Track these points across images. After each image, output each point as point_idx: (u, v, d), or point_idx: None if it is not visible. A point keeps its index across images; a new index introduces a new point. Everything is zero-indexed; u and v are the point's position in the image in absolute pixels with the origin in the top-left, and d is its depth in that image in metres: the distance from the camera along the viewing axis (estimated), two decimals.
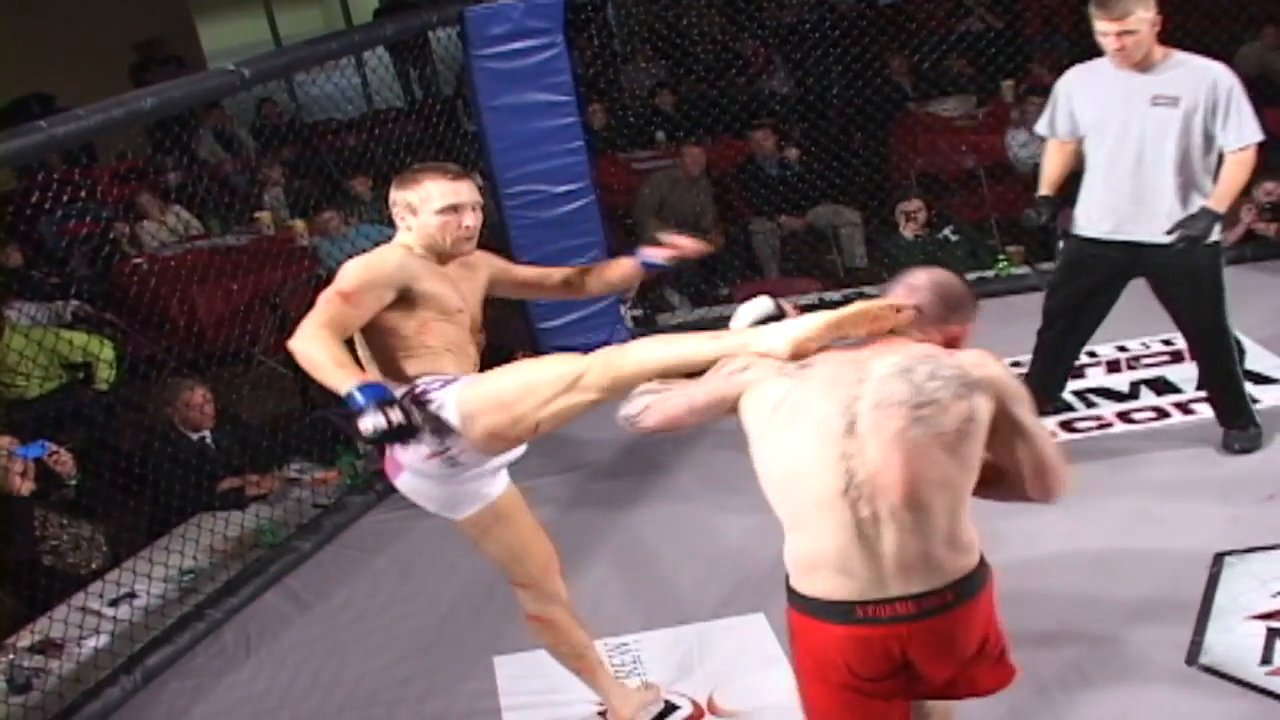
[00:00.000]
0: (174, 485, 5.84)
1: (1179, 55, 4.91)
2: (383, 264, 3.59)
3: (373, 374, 3.62)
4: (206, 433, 6.13)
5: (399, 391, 3.42)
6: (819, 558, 2.80)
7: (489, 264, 3.98)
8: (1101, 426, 5.68)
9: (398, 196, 3.71)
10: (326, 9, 18.09)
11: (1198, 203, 4.93)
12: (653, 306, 7.87)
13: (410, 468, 3.64)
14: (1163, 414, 5.71)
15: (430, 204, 3.64)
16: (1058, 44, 10.69)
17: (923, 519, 2.75)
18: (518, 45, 6.54)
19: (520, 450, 3.68)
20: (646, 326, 7.49)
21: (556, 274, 4.22)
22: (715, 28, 12.05)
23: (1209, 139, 4.89)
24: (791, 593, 2.90)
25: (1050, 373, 5.47)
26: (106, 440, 6.69)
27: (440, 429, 3.44)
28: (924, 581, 2.78)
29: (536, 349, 6.90)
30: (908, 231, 7.88)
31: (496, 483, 3.81)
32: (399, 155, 6.95)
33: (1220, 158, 4.93)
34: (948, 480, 2.78)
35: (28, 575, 5.37)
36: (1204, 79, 4.84)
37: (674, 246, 4.13)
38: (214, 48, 15.66)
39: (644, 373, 3.15)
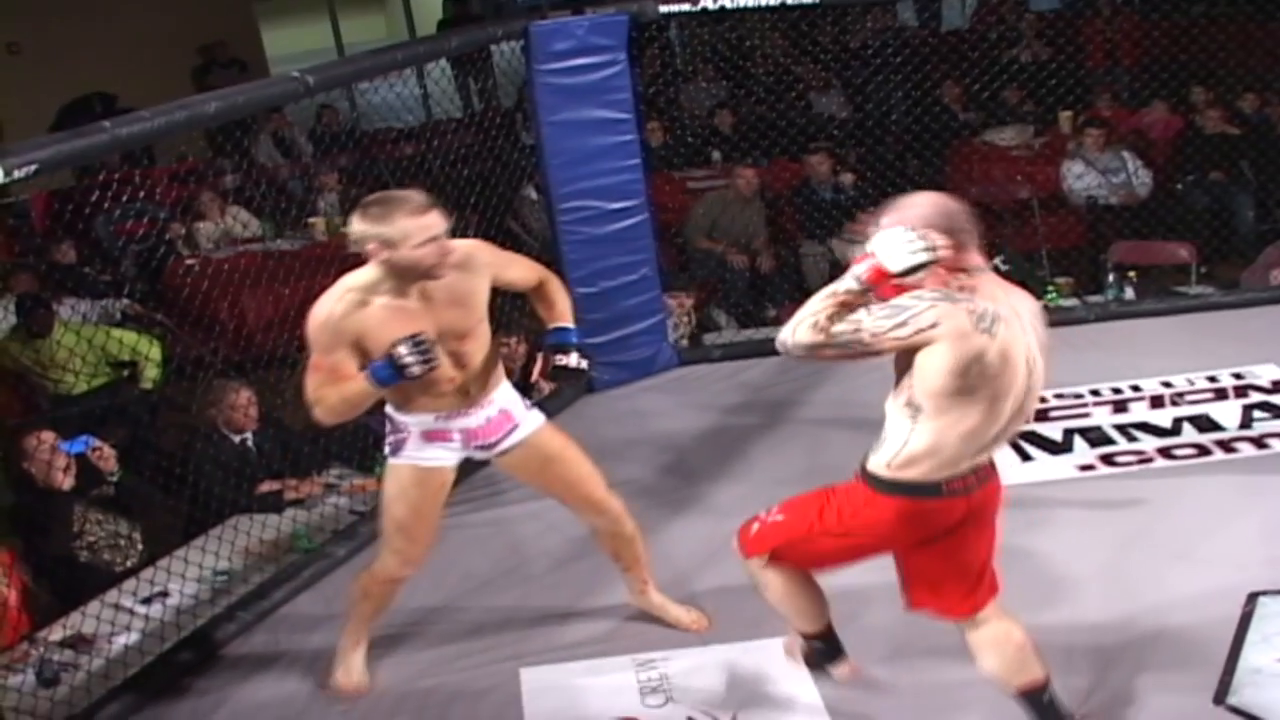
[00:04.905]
0: (213, 486, 5.86)
1: None
2: (324, 327, 3.91)
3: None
4: (249, 435, 6.16)
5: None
6: (946, 450, 3.39)
7: (485, 262, 4.14)
8: (1142, 461, 5.62)
9: (369, 232, 3.85)
10: (390, 17, 18.21)
11: None
12: (700, 326, 7.85)
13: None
14: (1204, 451, 5.64)
15: (410, 240, 3.82)
16: (1119, 77, 10.63)
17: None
18: (581, 61, 6.58)
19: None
20: (692, 345, 7.49)
21: (535, 284, 4.38)
22: (778, 50, 12.05)
23: None
24: (879, 480, 3.48)
25: None
26: (149, 439, 6.73)
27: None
28: (982, 460, 3.48)
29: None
30: None
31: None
32: (456, 166, 6.95)
33: None
34: None
35: (63, 570, 5.41)
36: None
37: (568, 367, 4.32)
38: (277, 52, 15.80)
39: None
